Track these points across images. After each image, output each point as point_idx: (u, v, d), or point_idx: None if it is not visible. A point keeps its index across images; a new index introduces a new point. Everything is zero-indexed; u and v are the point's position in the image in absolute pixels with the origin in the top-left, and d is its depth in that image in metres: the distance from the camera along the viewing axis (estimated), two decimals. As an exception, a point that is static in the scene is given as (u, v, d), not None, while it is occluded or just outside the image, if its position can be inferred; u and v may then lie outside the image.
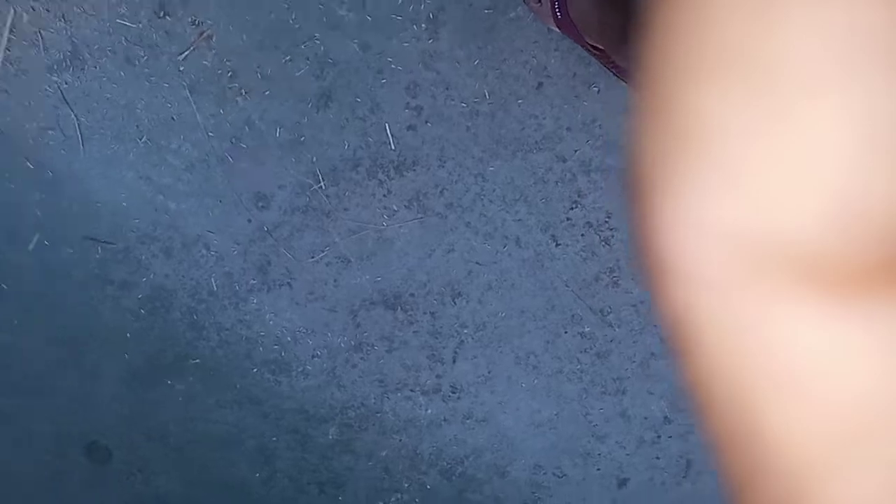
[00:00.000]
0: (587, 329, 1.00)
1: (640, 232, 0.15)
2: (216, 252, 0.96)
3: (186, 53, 0.87)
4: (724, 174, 0.13)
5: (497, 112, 0.89)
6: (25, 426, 1.08)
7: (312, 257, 0.95)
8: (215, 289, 0.98)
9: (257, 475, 1.09)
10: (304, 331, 1.00)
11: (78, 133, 0.91)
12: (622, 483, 1.11)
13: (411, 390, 1.02)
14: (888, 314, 0.14)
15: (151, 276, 0.97)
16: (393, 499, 1.09)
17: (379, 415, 1.04)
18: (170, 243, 0.95)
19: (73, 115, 0.90)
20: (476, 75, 0.87)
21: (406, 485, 1.09)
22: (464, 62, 0.86)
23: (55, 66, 0.88)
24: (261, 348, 1.01)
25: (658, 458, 1.10)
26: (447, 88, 0.86)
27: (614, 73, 0.84)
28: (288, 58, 0.87)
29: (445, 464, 1.06)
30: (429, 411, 1.04)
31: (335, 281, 0.97)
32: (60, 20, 0.87)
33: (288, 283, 0.97)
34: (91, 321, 1.01)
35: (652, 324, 1.01)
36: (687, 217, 0.14)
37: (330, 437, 1.05)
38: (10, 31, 0.88)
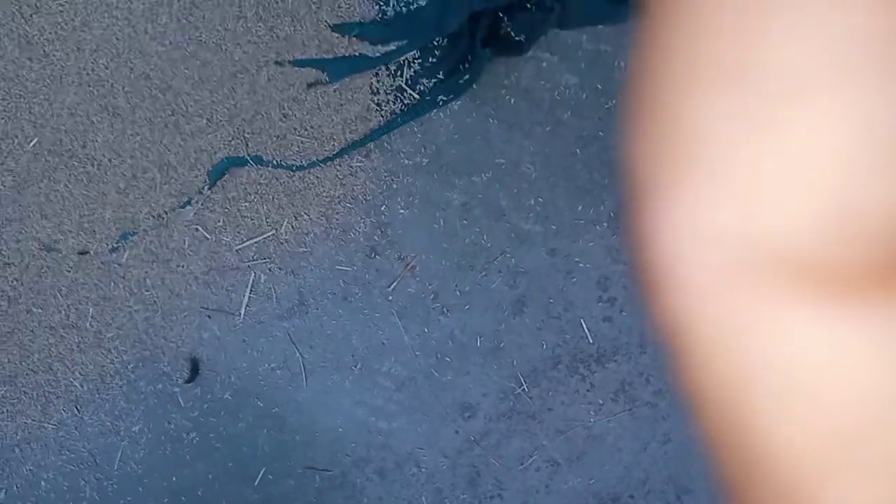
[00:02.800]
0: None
1: (634, 237, 0.16)
2: (426, 468, 1.04)
3: (394, 284, 1.05)
4: (717, 179, 0.14)
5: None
6: None
7: (522, 464, 1.00)
8: (428, 507, 1.04)
9: None
10: (522, 546, 1.01)
11: (302, 369, 1.07)
12: None
13: None
14: (884, 316, 0.14)
15: (365, 500, 1.05)
16: None
17: None
18: (383, 464, 1.05)
19: (298, 354, 1.08)
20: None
21: None
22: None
23: (285, 314, 1.09)
24: (480, 570, 1.02)
25: None
26: (639, 276, 0.97)
27: None
28: (483, 273, 1.01)
29: None
30: None
31: (546, 487, 1.00)
32: (290, 275, 1.09)
33: (499, 494, 1.02)
34: (309, 555, 1.08)
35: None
36: (681, 222, 0.15)
37: None
38: (251, 291, 1.10)
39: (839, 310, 0.14)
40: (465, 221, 1.07)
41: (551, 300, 1.03)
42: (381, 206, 1.10)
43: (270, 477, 1.13)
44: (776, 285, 0.14)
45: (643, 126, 0.16)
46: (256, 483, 1.13)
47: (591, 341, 1.01)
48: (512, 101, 1.05)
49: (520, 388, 1.03)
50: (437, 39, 1.05)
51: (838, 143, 0.13)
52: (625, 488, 1.00)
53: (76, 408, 1.17)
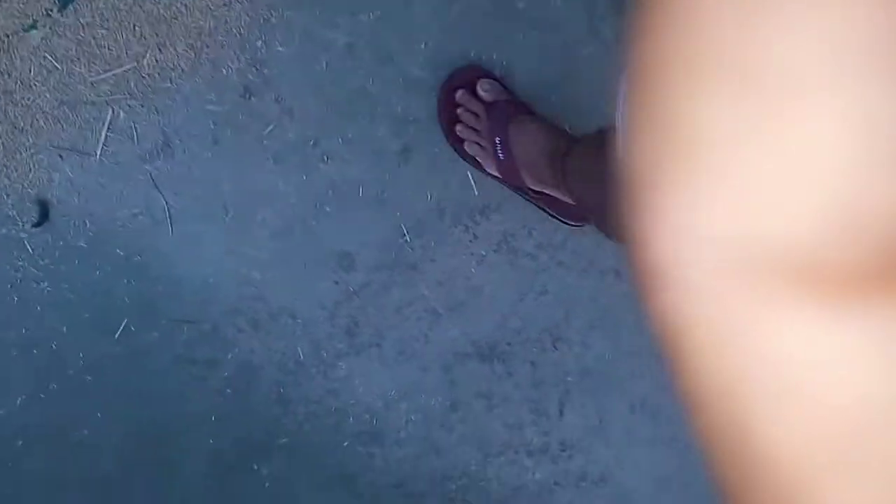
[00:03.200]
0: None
1: (632, 236, 0.16)
2: (302, 320, 1.02)
3: (270, 128, 0.98)
4: (716, 179, 0.14)
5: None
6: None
7: (401, 314, 1.00)
8: (302, 358, 1.03)
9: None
10: (396, 395, 1.02)
11: (167, 216, 1.00)
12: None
13: (516, 452, 1.02)
14: (884, 318, 0.14)
15: (237, 351, 1.03)
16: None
17: (482, 483, 1.03)
18: (256, 315, 1.02)
19: (162, 199, 1.00)
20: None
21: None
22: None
23: (147, 155, 1.00)
24: (351, 419, 1.04)
25: None
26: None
27: (556, 217, 0.94)
28: (368, 120, 0.97)
29: (561, 536, 1.03)
30: (537, 475, 1.03)
31: (426, 336, 1.01)
32: (153, 112, 1.01)
33: (377, 343, 1.02)
34: (175, 407, 1.06)
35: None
36: (680, 222, 0.15)
37: (431, 514, 1.04)
38: (108, 129, 1.00)
39: (839, 310, 0.14)
40: (349, 64, 1.00)
41: (437, 150, 1.00)
42: (257, 41, 1.01)
43: (133, 328, 1.07)
44: (775, 285, 0.14)
45: (642, 125, 0.15)
46: (117, 335, 1.07)
47: (476, 193, 1.01)
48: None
49: (402, 238, 1.02)
50: None
51: (838, 142, 0.13)
52: (502, 336, 1.03)
53: None
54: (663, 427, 1.03)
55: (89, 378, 1.09)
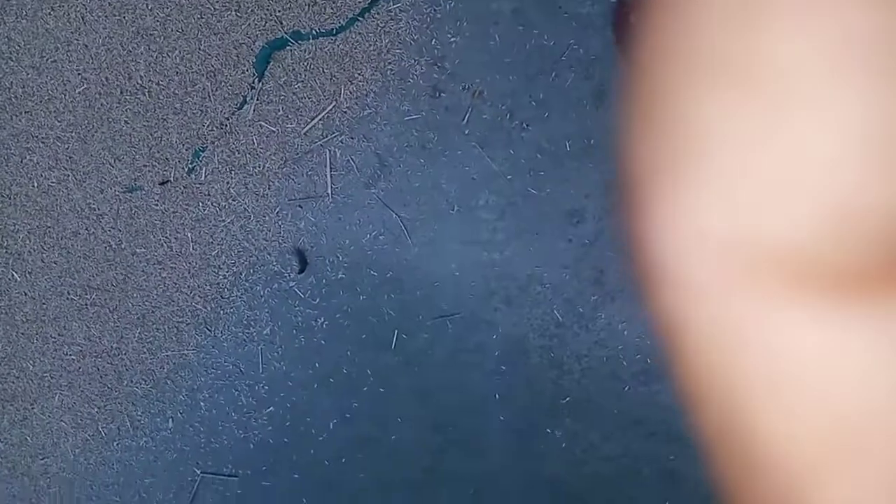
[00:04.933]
0: None
1: (633, 236, 0.16)
2: (550, 284, 1.07)
3: (467, 116, 1.05)
4: (716, 179, 0.14)
5: None
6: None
7: (644, 250, 1.02)
8: (561, 319, 1.08)
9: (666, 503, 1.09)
10: (665, 328, 1.04)
11: (403, 228, 1.11)
12: None
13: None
14: (883, 316, 0.15)
15: (500, 330, 1.11)
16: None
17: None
18: (507, 292, 1.09)
19: (394, 215, 1.11)
20: None
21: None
22: None
23: (370, 181, 1.12)
24: (624, 363, 1.07)
25: None
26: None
27: None
28: (554, 75, 1.00)
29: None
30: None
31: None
32: (363, 140, 1.12)
33: (627, 286, 1.04)
34: (461, 396, 1.16)
35: None
36: (681, 221, 0.15)
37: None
38: (331, 169, 1.13)
39: (838, 309, 0.14)
40: (520, 28, 1.05)
41: (631, 79, 1.01)
42: (431, 41, 1.09)
43: (404, 337, 1.20)
44: (775, 285, 0.15)
45: (641, 125, 0.16)
46: (393, 346, 1.21)
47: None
48: None
49: (622, 177, 1.04)
50: None
51: (837, 142, 0.13)
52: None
53: (206, 328, 1.26)
54: None
55: (382, 390, 1.24)
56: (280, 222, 1.21)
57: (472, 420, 1.20)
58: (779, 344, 0.15)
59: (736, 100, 0.14)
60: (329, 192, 1.17)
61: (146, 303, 1.26)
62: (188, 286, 1.25)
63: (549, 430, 1.16)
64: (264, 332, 1.25)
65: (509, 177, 1.09)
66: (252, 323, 1.25)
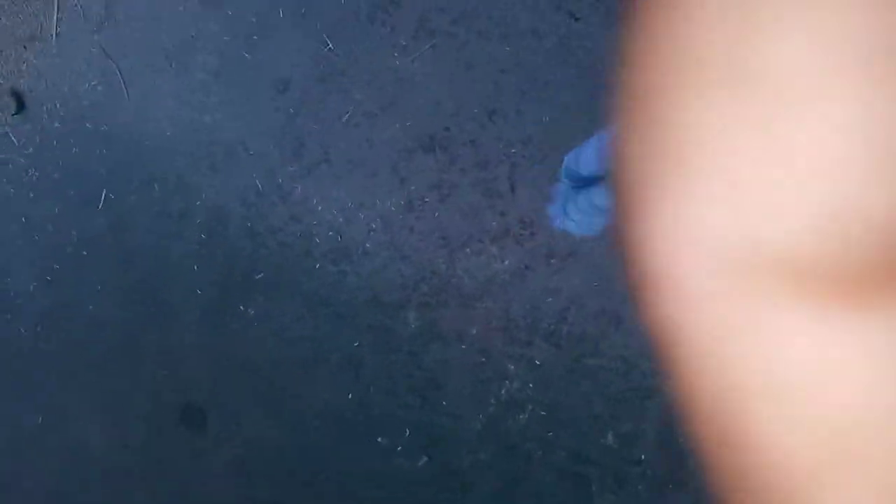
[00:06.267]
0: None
1: (629, 240, 0.16)
2: (255, 151, 1.09)
3: (192, -28, 1.06)
4: (714, 183, 0.14)
5: None
6: (120, 409, 1.19)
7: (341, 120, 1.04)
8: (261, 189, 1.09)
9: (350, 396, 1.11)
10: (353, 205, 1.06)
11: (121, 80, 1.11)
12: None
13: (479, 241, 1.03)
14: (882, 319, 0.15)
15: (204, 196, 1.11)
16: (503, 389, 1.05)
17: (454, 280, 1.04)
18: (213, 158, 1.10)
19: (114, 65, 1.11)
20: None
21: (511, 367, 1.04)
22: None
23: (95, 28, 1.11)
24: (317, 240, 1.09)
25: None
26: None
27: None
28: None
29: (546, 325, 1.02)
30: (506, 262, 1.03)
31: (369, 141, 1.05)
32: (93, -14, 1.10)
33: (325, 159, 1.06)
34: (162, 265, 1.15)
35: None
36: (678, 225, 0.15)
37: (411, 325, 1.07)
38: (58, 10, 1.12)
39: (837, 312, 0.14)
40: None
41: (342, -48, 1.04)
42: None
43: (112, 196, 1.18)
44: (774, 288, 0.15)
45: (639, 128, 0.16)
46: (100, 206, 1.19)
47: (385, -17, 1.04)
48: None
49: (326, 47, 1.07)
50: None
51: (835, 144, 0.13)
52: (440, 122, 1.05)
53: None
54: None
55: (85, 253, 1.21)
56: (2, 62, 1.18)
57: (171, 293, 1.18)
58: (778, 346, 0.15)
59: (735, 103, 0.14)
60: (54, 33, 1.16)
61: None
62: None
63: (242, 308, 1.16)
64: (-25, 179, 1.21)
65: (226, 38, 1.10)
66: (-37, 168, 1.21)
